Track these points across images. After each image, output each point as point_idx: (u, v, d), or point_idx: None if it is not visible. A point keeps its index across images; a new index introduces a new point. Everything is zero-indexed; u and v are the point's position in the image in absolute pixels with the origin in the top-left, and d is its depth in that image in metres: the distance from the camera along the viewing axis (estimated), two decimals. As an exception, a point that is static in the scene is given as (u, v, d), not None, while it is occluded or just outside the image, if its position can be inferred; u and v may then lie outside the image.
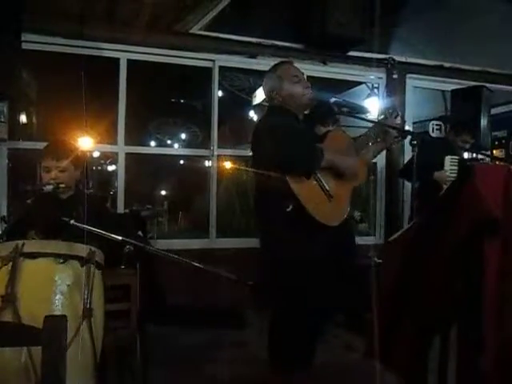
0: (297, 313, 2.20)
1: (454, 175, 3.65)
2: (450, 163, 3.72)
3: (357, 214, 5.54)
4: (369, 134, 2.47)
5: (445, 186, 3.52)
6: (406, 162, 4.32)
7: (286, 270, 2.21)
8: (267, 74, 2.45)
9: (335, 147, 2.30)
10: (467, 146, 3.81)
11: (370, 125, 2.58)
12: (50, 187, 2.14)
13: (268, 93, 2.42)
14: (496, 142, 6.17)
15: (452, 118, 4.61)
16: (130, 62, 4.14)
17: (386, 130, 2.46)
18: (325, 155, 2.17)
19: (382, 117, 2.59)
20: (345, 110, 2.57)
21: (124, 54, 4.12)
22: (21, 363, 1.56)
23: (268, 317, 2.32)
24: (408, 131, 2.58)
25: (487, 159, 4.03)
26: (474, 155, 4.24)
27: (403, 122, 3.01)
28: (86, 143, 3.91)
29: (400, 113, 2.53)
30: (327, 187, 2.19)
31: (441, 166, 3.73)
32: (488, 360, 1.64)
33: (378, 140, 2.48)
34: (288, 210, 2.08)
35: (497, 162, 4.25)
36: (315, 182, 2.17)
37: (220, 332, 3.52)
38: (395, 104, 2.61)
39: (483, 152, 4.30)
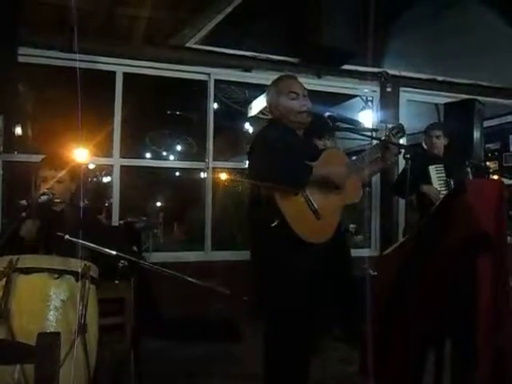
0: (287, 327, 2.19)
1: (443, 183, 3.62)
2: (435, 172, 3.62)
3: (352, 227, 5.56)
4: (368, 153, 2.42)
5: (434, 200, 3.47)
6: (397, 175, 4.18)
7: (271, 283, 2.22)
8: (268, 87, 2.47)
9: (329, 166, 2.29)
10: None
11: (365, 138, 2.57)
12: (45, 197, 2.12)
13: (268, 106, 2.46)
14: (489, 154, 6.25)
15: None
16: (126, 74, 4.17)
17: (387, 148, 2.42)
18: (313, 171, 2.16)
19: (386, 136, 2.54)
20: (339, 123, 2.56)
21: (120, 67, 4.14)
22: (14, 380, 1.54)
23: (262, 330, 2.31)
24: (401, 145, 2.57)
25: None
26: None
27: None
28: (81, 156, 3.91)
29: (405, 133, 2.49)
30: (315, 205, 2.17)
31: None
32: (483, 374, 1.64)
33: (378, 159, 2.44)
34: (272, 225, 2.08)
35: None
36: (303, 200, 2.17)
37: (216, 345, 3.49)
38: (401, 124, 2.53)
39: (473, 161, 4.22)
